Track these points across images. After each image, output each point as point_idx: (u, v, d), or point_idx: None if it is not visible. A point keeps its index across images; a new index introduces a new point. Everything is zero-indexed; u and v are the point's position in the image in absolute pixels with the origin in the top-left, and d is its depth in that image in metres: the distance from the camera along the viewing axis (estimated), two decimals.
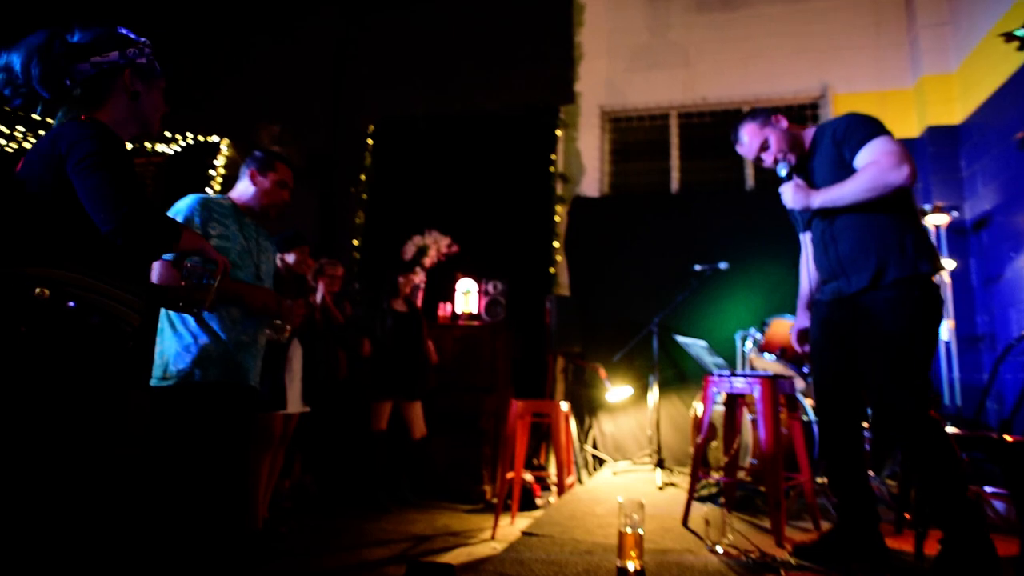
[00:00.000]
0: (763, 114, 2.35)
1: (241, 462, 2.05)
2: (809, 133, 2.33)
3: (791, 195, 2.21)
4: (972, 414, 4.03)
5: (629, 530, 1.91)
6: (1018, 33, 3.44)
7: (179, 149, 5.13)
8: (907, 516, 2.59)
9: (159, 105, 1.67)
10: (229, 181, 4.99)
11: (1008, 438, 2.19)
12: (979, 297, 4.29)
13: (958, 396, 4.09)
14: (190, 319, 1.97)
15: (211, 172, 5.04)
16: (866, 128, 2.11)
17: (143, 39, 1.64)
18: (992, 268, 4.16)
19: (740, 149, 2.40)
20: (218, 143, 5.15)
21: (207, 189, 5.03)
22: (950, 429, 2.50)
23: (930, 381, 2.04)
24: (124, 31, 1.62)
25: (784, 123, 2.32)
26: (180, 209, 2.04)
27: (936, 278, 2.08)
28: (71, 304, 1.37)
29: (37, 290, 1.34)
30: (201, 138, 5.12)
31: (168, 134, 5.01)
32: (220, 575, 1.98)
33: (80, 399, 1.38)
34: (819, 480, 3.04)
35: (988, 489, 2.95)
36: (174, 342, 1.96)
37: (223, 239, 2.05)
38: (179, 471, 1.86)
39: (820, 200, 2.15)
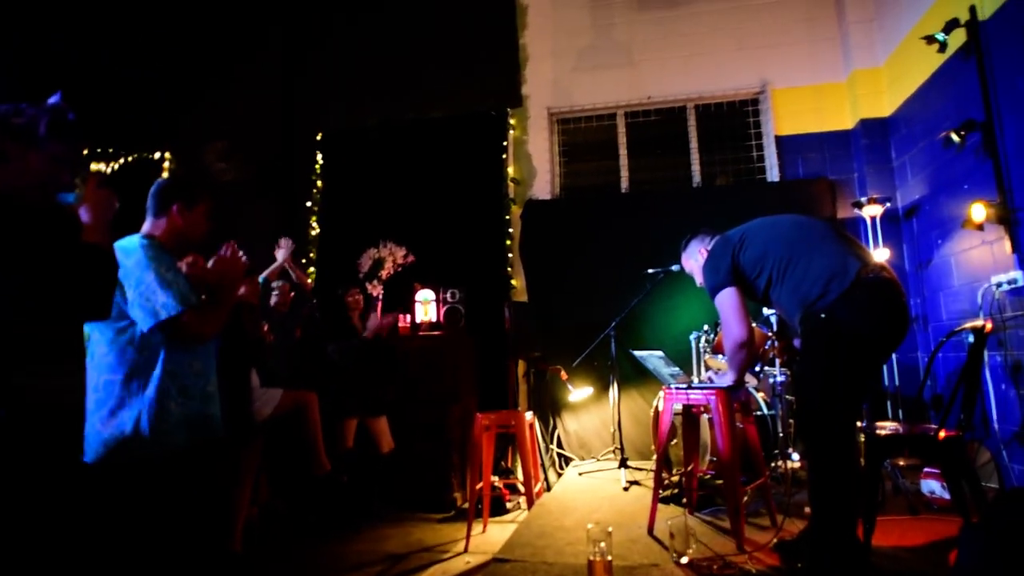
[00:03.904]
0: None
1: (219, 509, 2.02)
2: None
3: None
4: (914, 392, 4.31)
5: (598, 557, 2.00)
6: (938, 37, 3.62)
7: (116, 167, 4.92)
8: None
9: (42, 173, 1.47)
10: None
11: (942, 435, 2.38)
12: (912, 281, 4.55)
13: (896, 376, 4.36)
14: (146, 384, 1.82)
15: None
16: (708, 281, 2.57)
17: (47, 102, 1.49)
18: (923, 254, 4.41)
19: None
20: (161, 158, 4.95)
21: None
22: (891, 425, 2.69)
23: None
24: (28, 102, 1.47)
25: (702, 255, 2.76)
26: (133, 251, 1.87)
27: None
28: None
29: None
30: (146, 155, 4.91)
31: (111, 150, 4.78)
32: None
33: None
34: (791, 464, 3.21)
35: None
36: (130, 412, 1.79)
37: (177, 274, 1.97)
38: (158, 533, 1.80)
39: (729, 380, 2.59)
